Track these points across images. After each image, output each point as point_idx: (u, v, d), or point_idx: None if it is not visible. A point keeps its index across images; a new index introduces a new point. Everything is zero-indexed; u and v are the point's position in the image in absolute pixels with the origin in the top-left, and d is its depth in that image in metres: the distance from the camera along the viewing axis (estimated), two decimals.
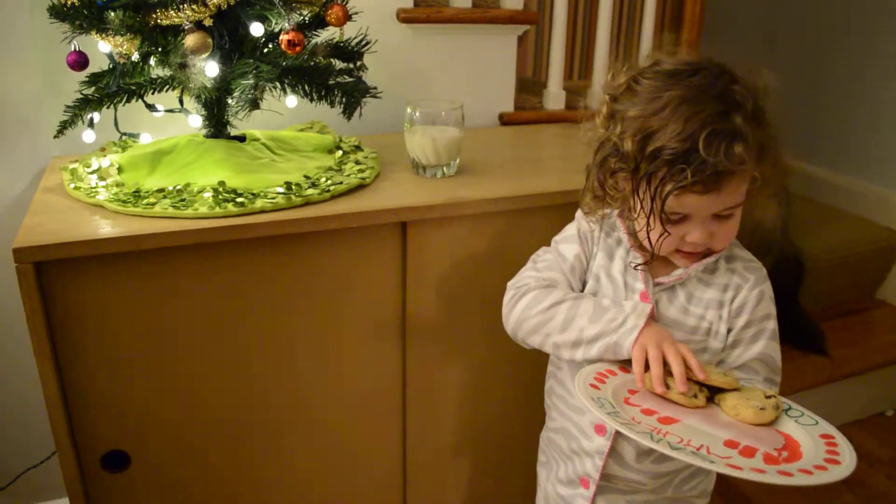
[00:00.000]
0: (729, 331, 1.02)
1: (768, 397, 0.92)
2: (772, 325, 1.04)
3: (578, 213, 1.12)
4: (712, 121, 0.88)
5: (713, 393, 0.94)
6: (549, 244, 1.16)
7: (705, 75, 0.92)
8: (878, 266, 2.46)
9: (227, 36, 1.18)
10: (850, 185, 2.60)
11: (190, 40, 1.10)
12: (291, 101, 1.35)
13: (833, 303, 2.40)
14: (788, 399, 0.95)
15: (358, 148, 1.43)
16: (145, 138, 1.40)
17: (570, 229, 1.12)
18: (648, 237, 0.97)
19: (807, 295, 2.19)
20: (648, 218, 0.94)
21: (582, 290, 1.08)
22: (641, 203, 0.94)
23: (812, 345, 2.13)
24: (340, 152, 1.39)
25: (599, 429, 1.06)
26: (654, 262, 1.04)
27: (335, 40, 1.32)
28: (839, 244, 2.36)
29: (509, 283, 1.10)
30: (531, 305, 1.04)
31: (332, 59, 1.32)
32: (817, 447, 0.86)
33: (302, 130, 1.50)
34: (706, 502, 1.17)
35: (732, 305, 1.02)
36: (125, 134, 1.40)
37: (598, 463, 1.07)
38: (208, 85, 1.17)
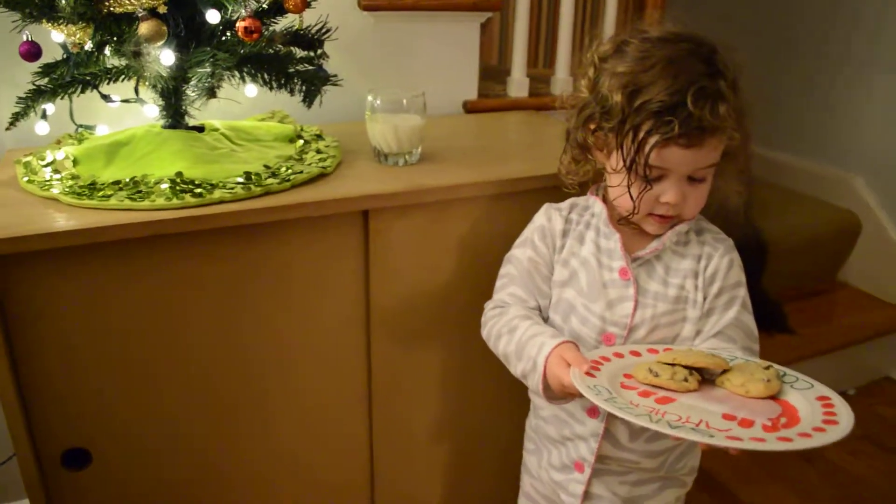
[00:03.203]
0: (704, 299, 1.05)
1: (766, 368, 0.94)
2: (743, 292, 1.07)
3: (539, 213, 1.15)
4: (700, 80, 0.92)
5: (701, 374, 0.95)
6: (513, 231, 1.18)
7: (691, 42, 0.97)
8: (839, 248, 2.50)
9: (182, 24, 1.16)
10: (810, 168, 2.64)
11: (143, 28, 1.08)
12: (251, 90, 1.33)
13: (795, 285, 2.44)
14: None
15: (319, 137, 1.41)
16: (102, 130, 1.38)
17: (526, 231, 1.16)
18: (629, 193, 0.99)
19: (769, 277, 2.22)
20: (630, 173, 0.97)
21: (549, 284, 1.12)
22: (624, 158, 0.96)
23: (776, 324, 2.16)
24: (301, 141, 1.37)
25: (592, 412, 1.07)
26: (629, 238, 1.07)
27: (294, 28, 1.30)
28: (800, 227, 2.39)
29: (485, 305, 1.18)
30: (487, 338, 1.14)
31: (292, 48, 1.31)
32: (814, 410, 0.87)
33: (262, 120, 1.48)
34: (694, 478, 1.20)
35: (706, 274, 1.05)
36: (81, 126, 1.37)
37: (592, 446, 1.09)
38: (164, 73, 1.15)
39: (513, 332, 1.06)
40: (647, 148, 0.94)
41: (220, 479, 1.28)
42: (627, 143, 0.95)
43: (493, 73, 2.14)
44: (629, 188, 0.99)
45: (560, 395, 0.99)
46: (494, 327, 1.11)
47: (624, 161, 0.96)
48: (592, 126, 1.03)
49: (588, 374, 0.94)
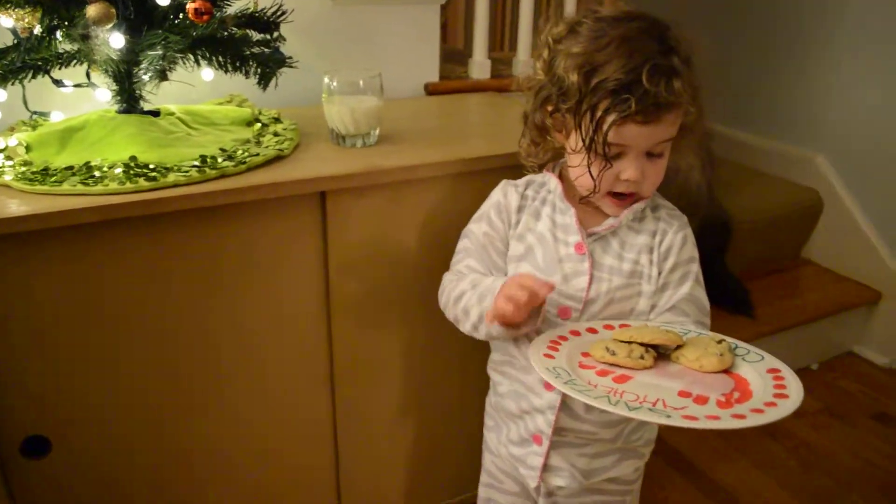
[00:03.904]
0: (659, 274, 1.07)
1: (719, 342, 0.96)
2: (696, 267, 1.10)
3: (496, 189, 1.16)
4: (654, 57, 0.94)
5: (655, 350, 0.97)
6: (473, 210, 1.19)
7: (643, 21, 0.98)
8: (802, 226, 2.53)
9: (132, 6, 1.15)
10: (772, 147, 2.66)
11: (92, 10, 1.07)
12: (207, 73, 1.32)
13: (760, 262, 2.46)
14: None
15: (277, 120, 1.41)
16: (57, 116, 1.36)
17: (483, 206, 1.17)
18: (590, 172, 1.00)
19: (734, 255, 2.25)
20: (589, 152, 0.98)
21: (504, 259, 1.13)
22: (583, 137, 0.97)
23: (737, 306, 2.19)
24: (259, 125, 1.36)
25: (549, 384, 1.08)
26: (585, 214, 1.08)
27: (249, 10, 1.29)
28: (764, 205, 2.41)
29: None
30: (447, 302, 1.13)
31: (248, 31, 1.30)
32: (765, 383, 0.89)
33: (220, 104, 1.47)
34: (651, 449, 1.21)
35: (661, 249, 1.07)
36: (35, 112, 1.35)
37: (550, 418, 1.10)
38: (114, 57, 1.14)
39: (476, 285, 1.08)
40: (605, 126, 0.95)
41: (184, 464, 1.28)
42: (586, 123, 0.97)
43: (459, 56, 2.14)
44: (589, 167, 1.00)
45: (507, 314, 0.96)
46: (454, 290, 1.11)
47: (583, 140, 0.98)
48: (550, 108, 1.04)
49: (547, 354, 0.95)
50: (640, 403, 0.86)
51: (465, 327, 1.09)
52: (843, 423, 2.10)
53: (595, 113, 0.95)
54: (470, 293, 1.07)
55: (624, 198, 1.04)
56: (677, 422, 0.81)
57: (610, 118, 0.94)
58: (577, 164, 1.02)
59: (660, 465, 1.88)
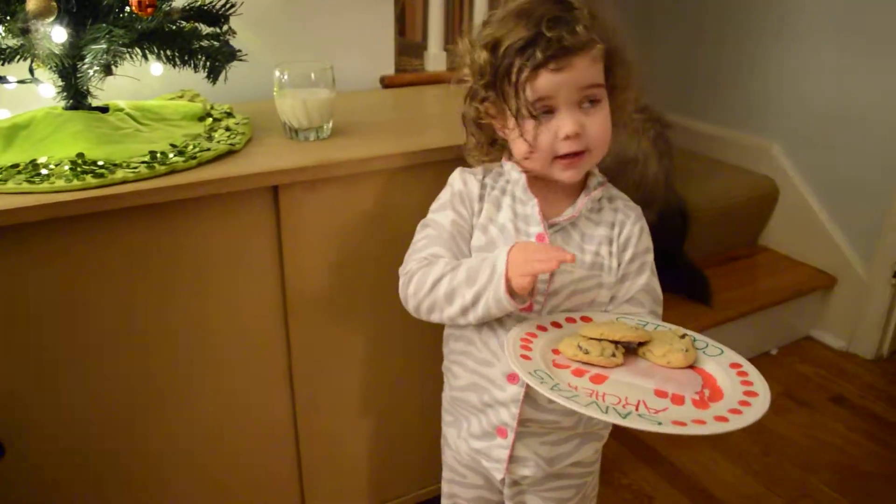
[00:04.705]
0: (618, 265, 1.08)
1: (682, 336, 0.98)
2: (651, 258, 1.11)
3: (452, 177, 1.15)
4: (552, 12, 0.97)
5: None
6: (429, 202, 1.16)
7: None
8: (759, 213, 2.57)
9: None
10: (728, 136, 2.70)
11: (31, 4, 1.05)
12: (156, 68, 1.30)
13: (718, 250, 2.50)
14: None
15: (229, 115, 1.39)
16: (3, 114, 1.33)
17: (443, 196, 1.15)
18: (527, 140, 1.01)
19: (692, 244, 2.27)
20: (519, 118, 1.00)
21: (469, 246, 1.11)
22: (509, 107, 0.99)
23: (696, 294, 2.21)
24: (211, 119, 1.35)
25: (512, 377, 1.08)
26: (544, 205, 1.07)
27: (198, 2, 1.27)
28: (721, 194, 2.45)
29: (399, 271, 1.12)
30: (418, 288, 1.06)
31: (197, 24, 1.28)
32: (732, 381, 0.91)
33: (172, 99, 1.44)
34: (609, 431, 1.22)
35: (620, 240, 1.08)
36: None
37: (513, 411, 1.09)
38: (56, 51, 1.11)
39: (457, 268, 1.04)
40: (523, 82, 0.97)
41: (141, 466, 1.26)
42: (505, 90, 0.99)
43: (417, 49, 2.13)
44: (525, 136, 1.01)
45: (526, 287, 0.97)
46: (429, 275, 1.05)
47: (510, 110, 0.99)
48: (479, 98, 1.05)
49: (524, 356, 0.95)
50: (624, 406, 0.86)
51: (448, 313, 1.04)
52: (802, 406, 2.13)
53: (510, 77, 0.98)
54: (450, 276, 1.03)
55: (572, 157, 1.02)
56: (668, 429, 0.82)
57: (523, 75, 0.96)
58: (516, 139, 1.03)
59: (622, 453, 1.90)
